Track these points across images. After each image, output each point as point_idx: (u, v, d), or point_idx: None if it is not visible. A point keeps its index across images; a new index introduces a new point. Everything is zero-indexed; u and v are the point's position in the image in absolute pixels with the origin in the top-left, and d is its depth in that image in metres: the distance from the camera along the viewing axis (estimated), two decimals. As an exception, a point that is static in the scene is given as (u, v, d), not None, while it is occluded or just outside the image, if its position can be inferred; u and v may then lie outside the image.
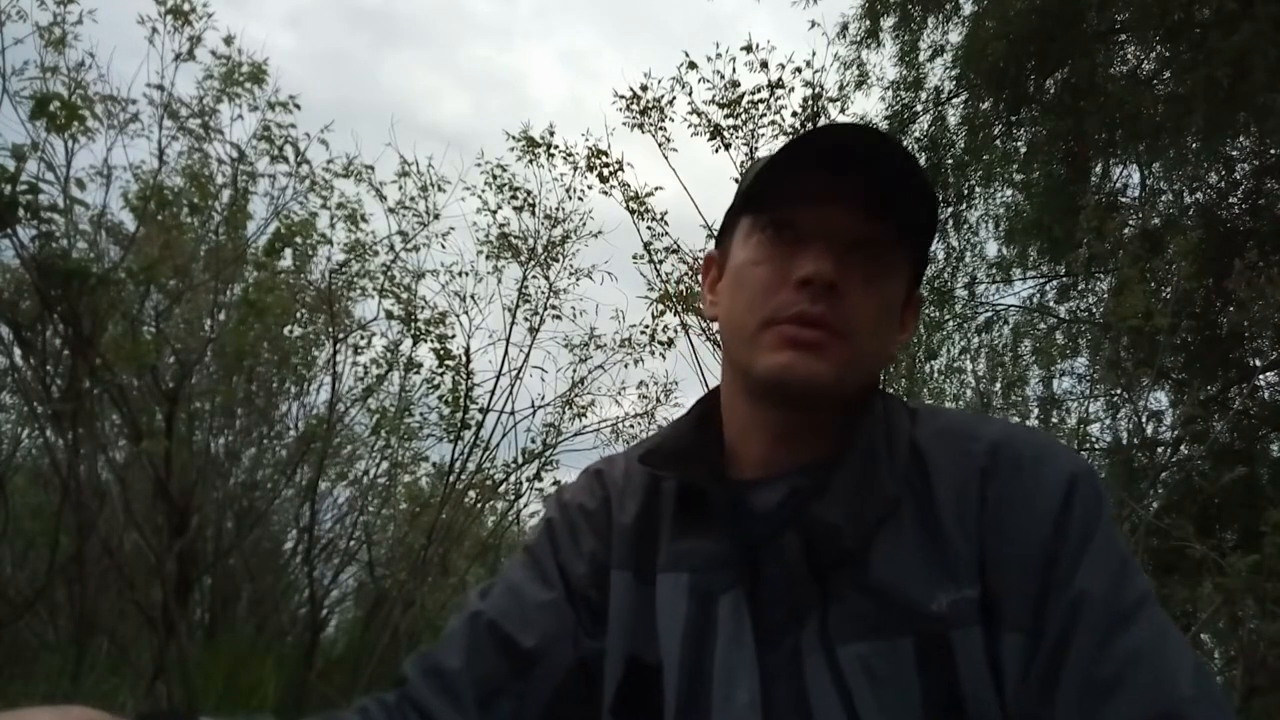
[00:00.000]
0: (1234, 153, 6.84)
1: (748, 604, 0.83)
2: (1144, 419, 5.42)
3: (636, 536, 0.92)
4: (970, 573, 0.77)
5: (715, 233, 0.97)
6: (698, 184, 6.16)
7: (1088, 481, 0.79)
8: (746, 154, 4.99)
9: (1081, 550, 0.75)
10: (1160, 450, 5.55)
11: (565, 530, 0.96)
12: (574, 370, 5.45)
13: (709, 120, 5.01)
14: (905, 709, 0.75)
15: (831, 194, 0.83)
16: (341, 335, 5.05)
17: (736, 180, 4.80)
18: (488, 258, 5.27)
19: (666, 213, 5.10)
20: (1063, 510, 0.77)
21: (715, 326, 1.01)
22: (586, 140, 5.15)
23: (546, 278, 5.33)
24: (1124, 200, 7.31)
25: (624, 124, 5.02)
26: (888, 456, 0.84)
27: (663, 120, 5.00)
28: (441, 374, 5.13)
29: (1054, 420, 5.85)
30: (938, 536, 0.79)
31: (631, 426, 5.51)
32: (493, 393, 5.15)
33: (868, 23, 7.90)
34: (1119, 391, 5.27)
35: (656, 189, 5.08)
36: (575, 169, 5.23)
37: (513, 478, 5.38)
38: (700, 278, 0.99)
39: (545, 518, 1.00)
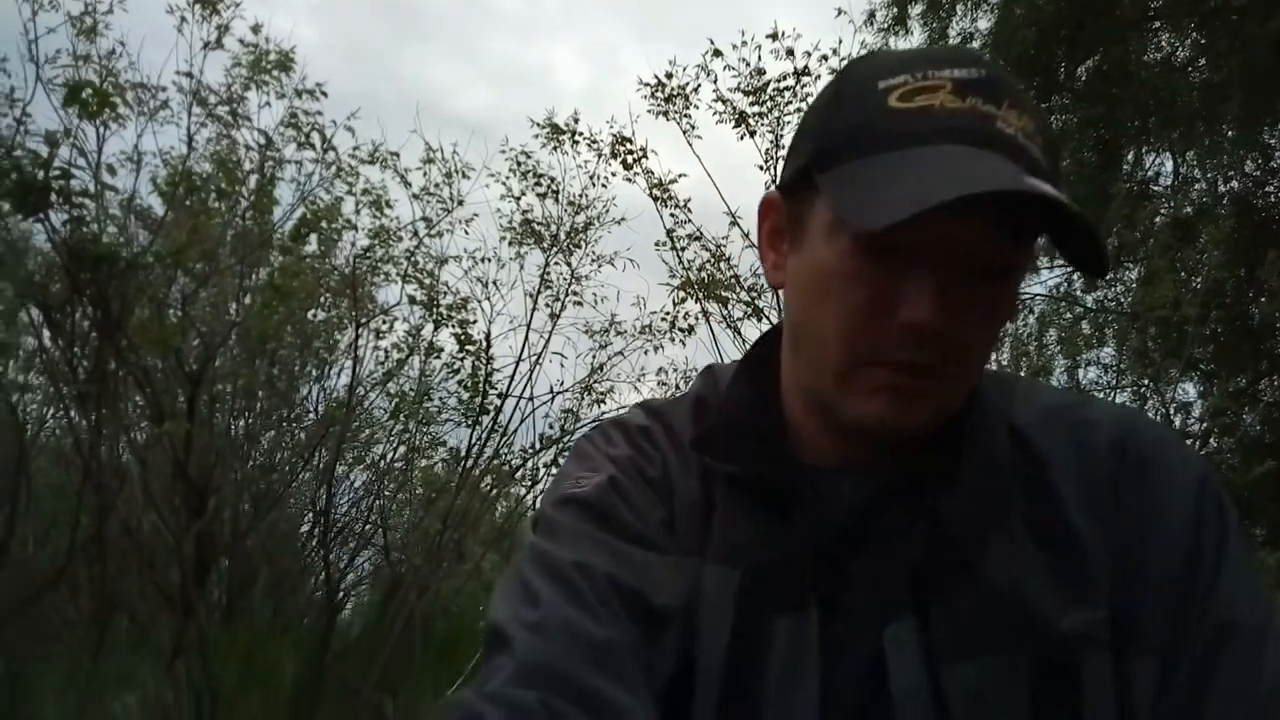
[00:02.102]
0: (1271, 140, 6.70)
1: (819, 625, 0.70)
2: (1172, 411, 5.32)
3: (696, 515, 0.76)
4: (1098, 590, 0.68)
5: (780, 187, 0.78)
6: (722, 171, 6.13)
7: (1214, 482, 0.71)
8: (771, 142, 4.95)
9: (1219, 563, 0.68)
10: (1188, 443, 5.46)
11: (635, 490, 0.76)
12: (594, 356, 5.45)
13: (734, 108, 4.97)
14: None
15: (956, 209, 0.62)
16: (364, 320, 5.07)
17: (762, 168, 4.69)
18: (510, 244, 5.28)
19: (690, 200, 5.07)
20: (1197, 518, 0.69)
21: (779, 292, 0.80)
22: (611, 127, 5.13)
23: (569, 264, 5.32)
24: (1155, 189, 7.19)
25: (649, 111, 5.00)
26: (994, 442, 0.73)
27: (687, 108, 4.98)
28: (462, 359, 5.15)
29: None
30: (1064, 542, 0.69)
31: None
32: (512, 378, 5.16)
33: (895, 10, 7.81)
34: (1146, 383, 5.19)
35: (680, 176, 5.06)
36: (599, 156, 5.22)
37: (530, 463, 5.39)
38: (757, 231, 0.80)
39: (608, 474, 0.77)
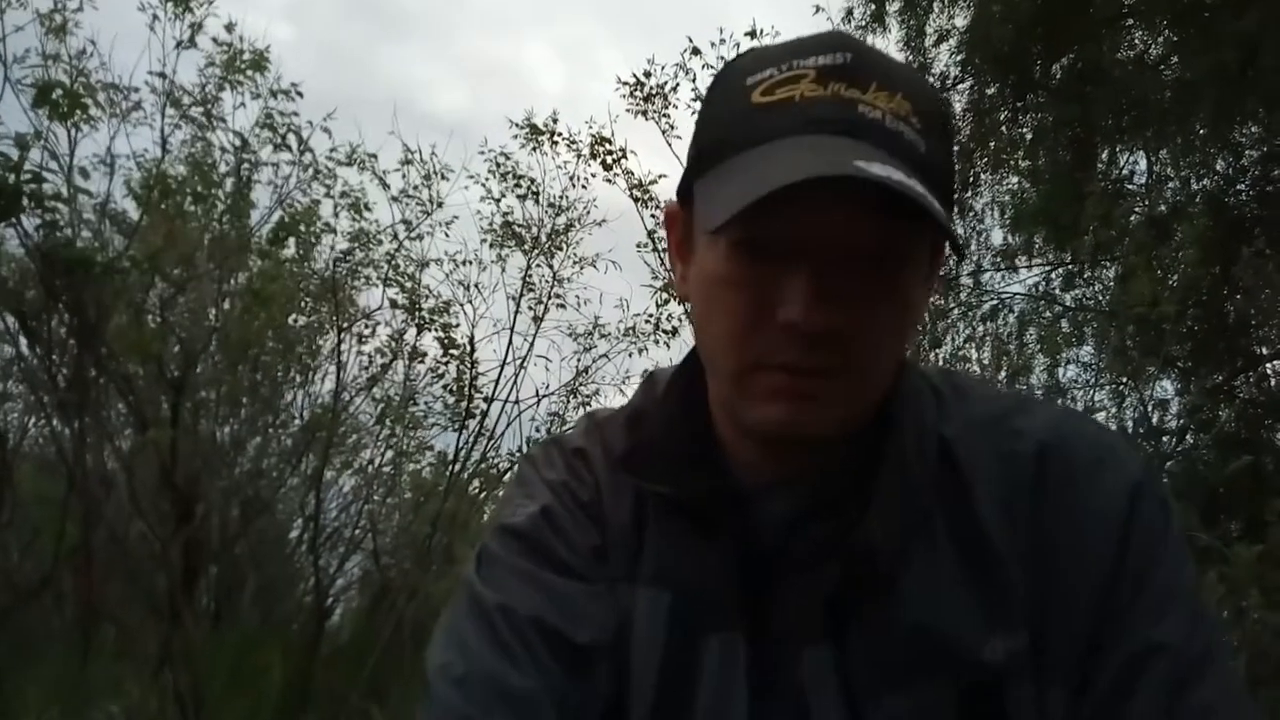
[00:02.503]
0: (1242, 139, 6.79)
1: (746, 649, 0.69)
2: (1150, 408, 5.38)
3: (628, 539, 0.75)
4: (1019, 615, 0.65)
5: (678, 196, 0.77)
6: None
7: (1151, 492, 0.67)
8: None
9: (1143, 583, 0.64)
10: (1166, 439, 5.52)
11: (568, 517, 0.76)
12: (578, 359, 5.45)
13: (713, 107, 4.98)
14: None
15: (825, 196, 0.61)
16: (346, 324, 5.05)
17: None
18: (491, 246, 5.26)
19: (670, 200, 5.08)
20: (1121, 535, 0.65)
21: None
22: (590, 128, 5.13)
23: (550, 266, 5.32)
24: (1130, 187, 7.26)
25: (627, 110, 5.01)
26: (918, 456, 0.70)
27: (666, 107, 4.99)
28: (446, 363, 5.13)
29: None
30: (984, 564, 0.66)
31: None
32: (497, 382, 5.15)
33: (873, 7, 7.85)
34: (1125, 380, 5.25)
35: (660, 177, 5.07)
36: (579, 157, 5.21)
37: (515, 469, 5.38)
38: (665, 236, 0.78)
39: (541, 504, 0.77)
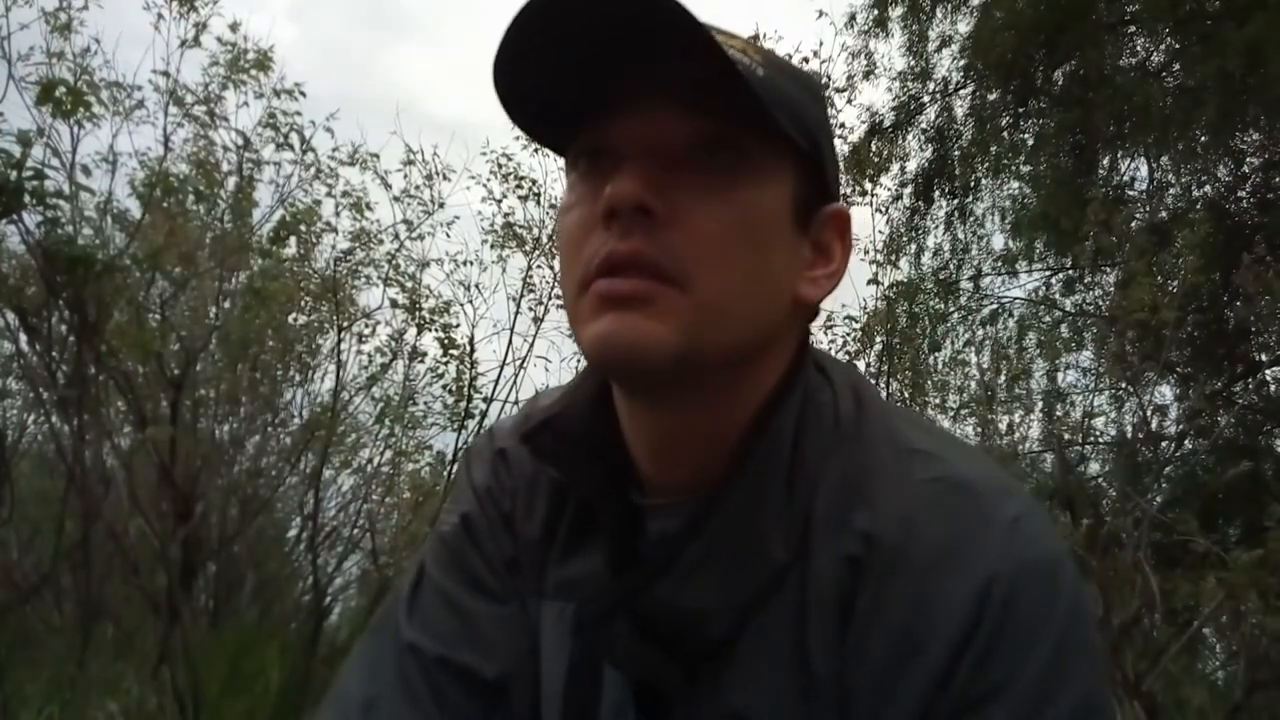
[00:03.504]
0: (1243, 146, 6.81)
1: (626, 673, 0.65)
2: (1149, 413, 5.39)
3: (540, 550, 0.72)
4: (831, 713, 0.57)
5: None
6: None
7: (1018, 594, 0.54)
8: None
9: (984, 708, 0.53)
10: (1165, 444, 5.53)
11: (485, 529, 0.74)
12: (578, 360, 5.43)
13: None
14: None
15: (636, 89, 0.58)
16: (346, 324, 5.05)
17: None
18: (492, 247, 5.27)
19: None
20: (961, 642, 0.53)
21: None
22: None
23: (551, 267, 5.32)
24: (1131, 193, 7.29)
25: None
26: (784, 503, 0.60)
27: (669, 109, 4.99)
28: (446, 363, 5.13)
29: (1058, 414, 5.84)
30: (803, 646, 0.58)
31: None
32: (496, 382, 5.15)
33: (876, 12, 7.88)
34: (1124, 385, 5.25)
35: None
36: (580, 158, 5.21)
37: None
38: None
39: (462, 511, 0.76)
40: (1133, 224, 5.32)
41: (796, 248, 0.63)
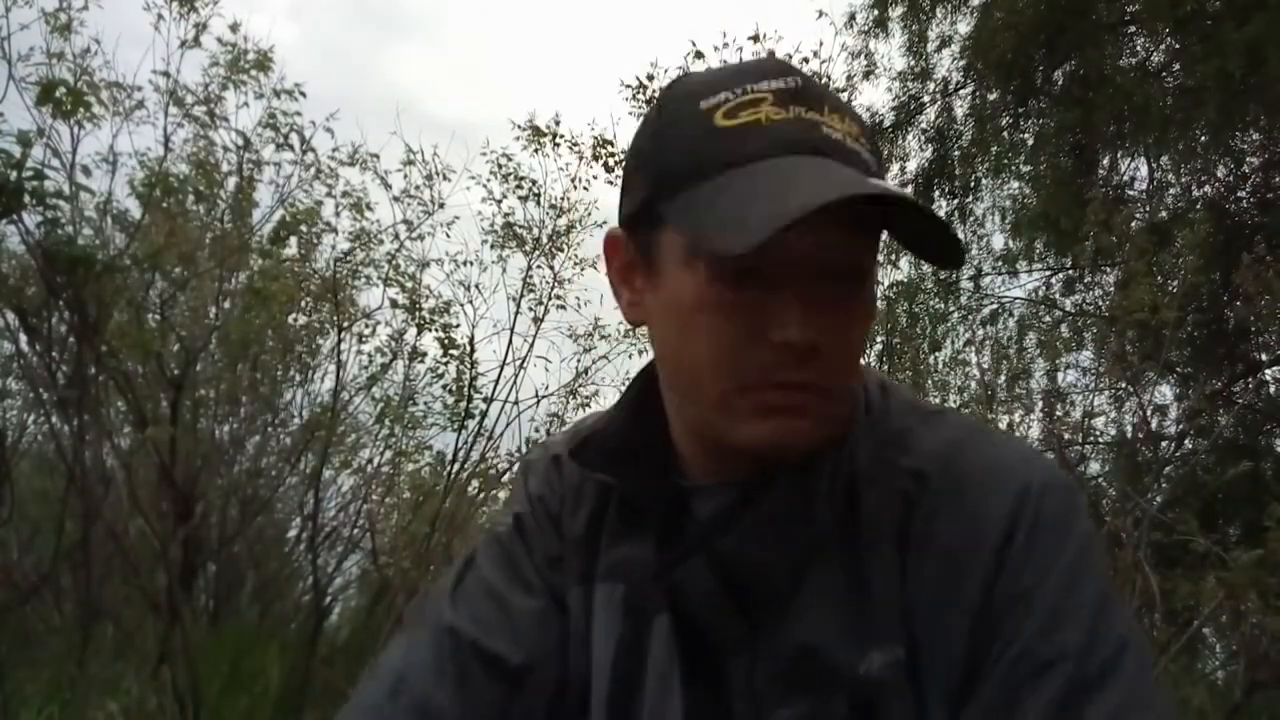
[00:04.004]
0: (1243, 146, 6.81)
1: (675, 634, 0.72)
2: (1149, 413, 5.39)
3: (584, 545, 0.81)
4: (895, 629, 0.66)
5: (622, 222, 0.78)
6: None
7: (1044, 501, 0.65)
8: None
9: (1029, 603, 0.63)
10: (1165, 444, 5.53)
11: (535, 529, 0.84)
12: (578, 360, 5.45)
13: (715, 110, 5.00)
14: None
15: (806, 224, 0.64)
16: (346, 324, 5.04)
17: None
18: (492, 247, 5.26)
19: (672, 202, 5.08)
20: (1000, 554, 0.64)
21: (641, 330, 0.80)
22: (592, 129, 5.14)
23: (551, 267, 5.32)
24: (1131, 193, 7.29)
25: (630, 113, 5.02)
26: (829, 467, 0.71)
27: (669, 110, 4.99)
28: (445, 363, 5.12)
29: (1058, 414, 5.84)
30: (863, 580, 0.68)
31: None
32: (496, 382, 5.14)
33: (876, 12, 7.88)
34: (1124, 385, 5.25)
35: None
36: (581, 159, 5.22)
37: (516, 467, 5.38)
38: (606, 270, 0.79)
39: (515, 512, 0.85)
40: (1133, 224, 5.31)
41: None
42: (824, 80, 5.03)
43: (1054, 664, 0.61)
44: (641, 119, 0.76)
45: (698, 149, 0.67)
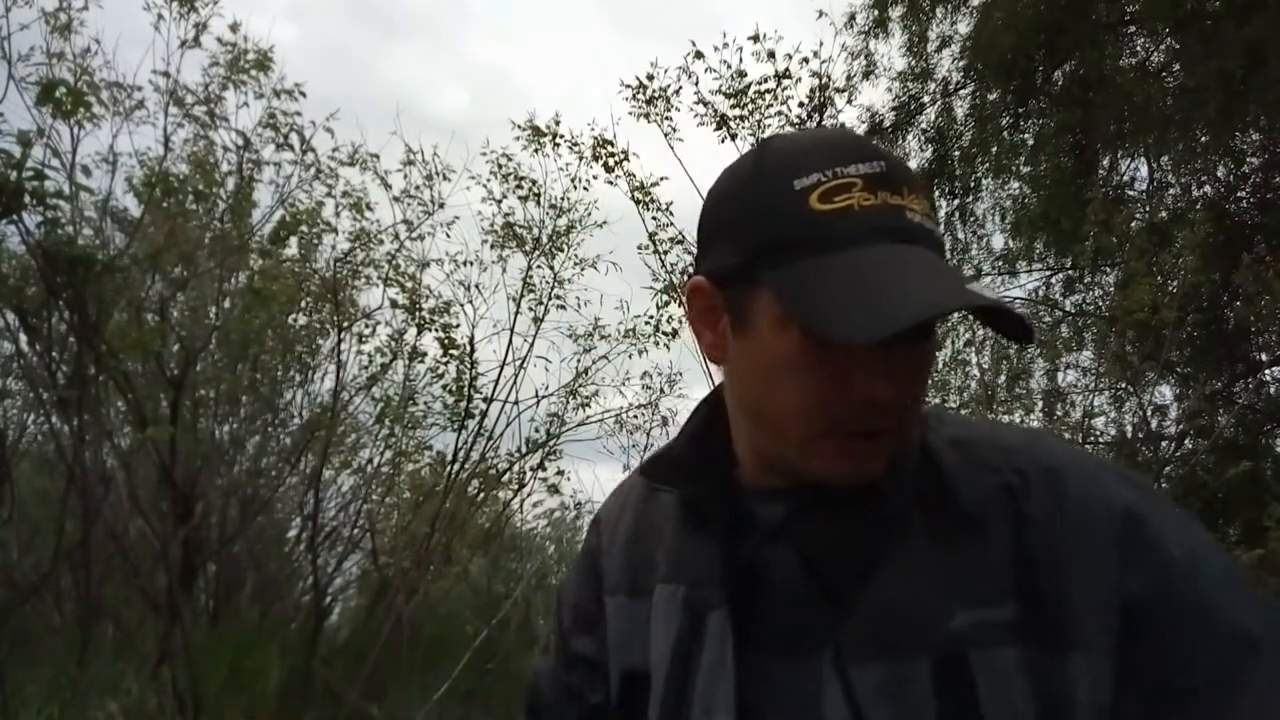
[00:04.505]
0: (1243, 146, 6.80)
1: (732, 623, 0.80)
2: (1149, 413, 5.39)
3: (628, 557, 0.93)
4: (997, 593, 0.72)
5: (708, 274, 0.84)
6: (703, 174, 6.15)
7: (1147, 513, 0.73)
8: (753, 144, 4.98)
9: (1166, 576, 0.70)
10: (1165, 444, 5.53)
11: (601, 547, 0.98)
12: (578, 360, 5.45)
13: (715, 110, 5.00)
14: None
15: None
16: (346, 324, 5.05)
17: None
18: (492, 247, 5.27)
19: (672, 203, 5.08)
20: (1122, 539, 0.71)
21: (717, 368, 0.88)
22: (592, 130, 5.14)
23: (551, 268, 5.32)
24: (1131, 193, 7.28)
25: (630, 114, 5.02)
26: (902, 465, 0.79)
27: (669, 110, 4.99)
28: (446, 363, 5.13)
29: (1058, 414, 5.84)
30: (955, 551, 0.74)
31: (635, 417, 5.50)
32: (496, 382, 5.15)
33: (876, 12, 7.86)
34: (1124, 385, 5.26)
35: (662, 179, 5.07)
36: (580, 159, 5.22)
37: (516, 467, 5.39)
38: (686, 307, 0.87)
39: (589, 534, 1.02)
40: (1133, 224, 5.31)
41: None
42: (824, 81, 5.03)
43: (1252, 638, 0.68)
44: (731, 175, 0.82)
45: (794, 227, 0.74)
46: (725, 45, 4.91)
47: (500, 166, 5.31)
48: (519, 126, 5.26)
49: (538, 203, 5.32)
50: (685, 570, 0.85)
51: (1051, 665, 0.69)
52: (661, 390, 5.52)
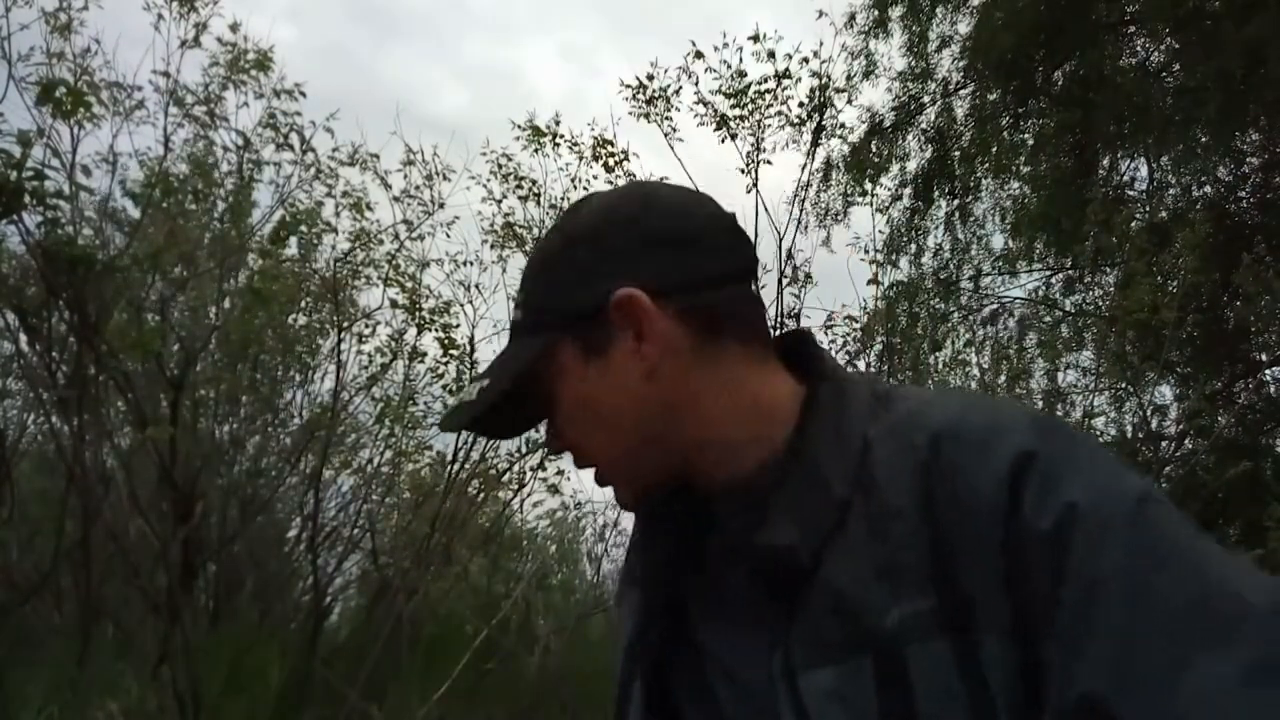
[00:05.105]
0: (1243, 146, 6.80)
1: (671, 627, 0.85)
2: (1149, 413, 5.39)
3: (628, 565, 0.96)
4: (921, 581, 0.70)
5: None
6: (703, 174, 6.15)
7: (1041, 452, 0.69)
8: (752, 145, 4.99)
9: (1052, 537, 0.66)
10: (1165, 444, 5.53)
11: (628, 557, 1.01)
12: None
13: (715, 110, 5.00)
14: None
15: None
16: (346, 324, 5.05)
17: (743, 171, 4.75)
18: (492, 247, 5.26)
19: (671, 203, 5.09)
20: (1011, 493, 0.68)
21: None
22: (592, 130, 5.14)
23: (551, 268, 5.31)
24: (1131, 193, 7.28)
25: (630, 113, 5.02)
26: (837, 456, 0.77)
27: (669, 110, 5.00)
28: (446, 363, 5.13)
29: (1059, 414, 5.83)
30: (886, 542, 0.73)
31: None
32: (497, 382, 5.13)
33: (876, 12, 7.87)
34: (1124, 385, 5.26)
35: (662, 179, 5.07)
36: (580, 159, 5.22)
37: (516, 467, 5.39)
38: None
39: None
40: (1133, 224, 5.31)
41: (630, 354, 0.82)
42: (824, 81, 5.03)
43: (1105, 582, 0.65)
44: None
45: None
46: (725, 45, 4.92)
47: (500, 166, 5.31)
48: (519, 126, 5.26)
49: (538, 203, 5.32)
50: (642, 575, 0.90)
51: (969, 650, 0.68)
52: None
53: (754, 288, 0.88)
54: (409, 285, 5.14)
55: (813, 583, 0.74)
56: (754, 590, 0.78)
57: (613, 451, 0.84)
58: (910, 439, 0.75)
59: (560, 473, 5.39)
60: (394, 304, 5.12)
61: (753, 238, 5.06)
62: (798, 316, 4.88)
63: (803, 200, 5.17)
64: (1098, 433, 5.83)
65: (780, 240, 4.92)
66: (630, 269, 0.80)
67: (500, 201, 5.29)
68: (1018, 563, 0.67)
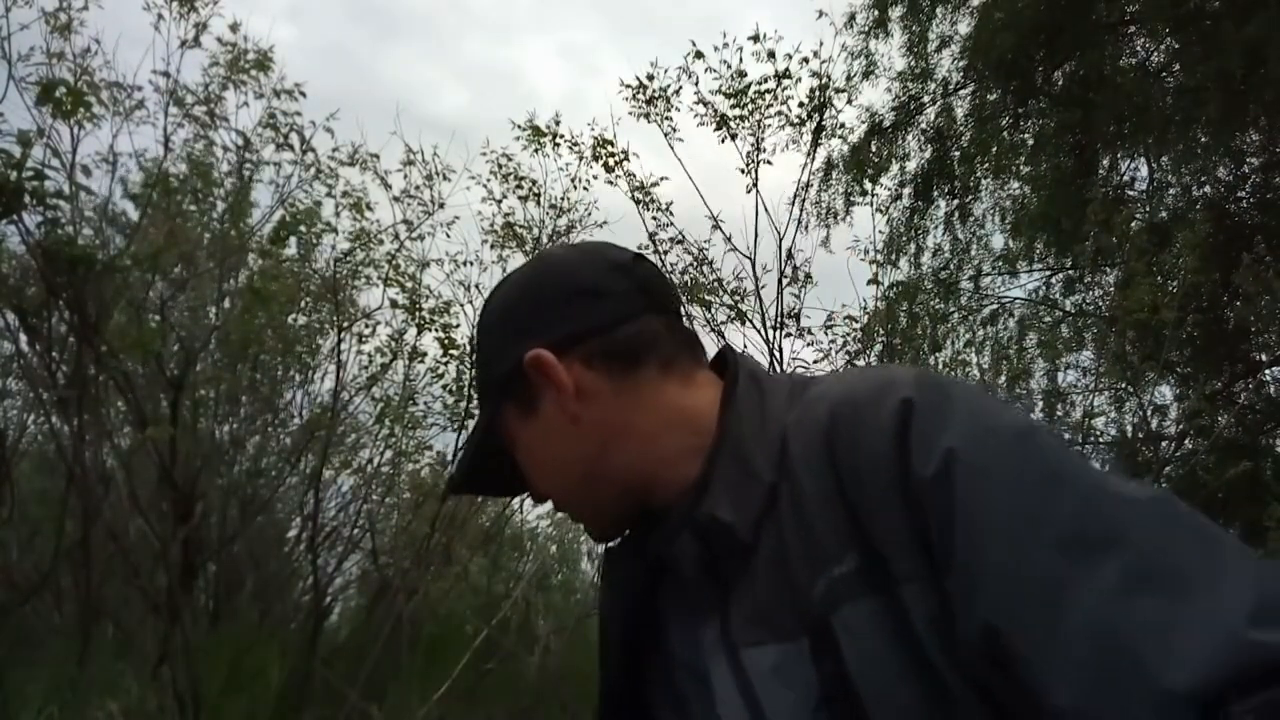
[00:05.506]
0: (1243, 146, 6.80)
1: (618, 626, 0.90)
2: (1149, 413, 5.40)
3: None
4: (840, 547, 0.73)
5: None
6: (703, 174, 6.15)
7: (920, 403, 0.73)
8: (753, 145, 4.99)
9: (941, 480, 0.69)
10: (1165, 444, 5.53)
11: None
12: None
13: (715, 110, 5.00)
14: (807, 708, 0.72)
15: None
16: (346, 324, 5.04)
17: (743, 171, 4.73)
18: (492, 247, 5.26)
19: (672, 203, 5.09)
20: (899, 446, 0.71)
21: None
22: (592, 130, 5.14)
23: (551, 268, 5.31)
24: (1131, 193, 7.28)
25: (630, 113, 5.02)
26: (762, 445, 0.81)
27: (669, 110, 4.99)
28: (446, 363, 5.13)
29: (1059, 414, 5.84)
30: (808, 519, 0.76)
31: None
32: (497, 382, 5.13)
33: (876, 12, 7.87)
34: (1124, 385, 5.26)
35: (662, 179, 5.07)
36: (580, 159, 5.22)
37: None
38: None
39: None
40: (1133, 224, 5.30)
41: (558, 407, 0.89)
42: (824, 81, 5.04)
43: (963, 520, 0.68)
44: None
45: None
46: (725, 45, 4.92)
47: (500, 166, 5.30)
48: (519, 126, 5.26)
49: (538, 203, 5.32)
50: (602, 597, 0.96)
51: (893, 602, 0.70)
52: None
53: (672, 310, 0.93)
54: (409, 285, 5.14)
55: (752, 561, 0.78)
56: (697, 572, 0.82)
57: (568, 493, 0.92)
58: (815, 415, 0.80)
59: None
60: (394, 304, 5.12)
61: (752, 238, 5.10)
62: (798, 316, 4.89)
63: (803, 200, 5.17)
64: (1098, 433, 5.84)
65: (780, 240, 4.92)
66: (536, 331, 0.88)
67: (500, 201, 5.29)
68: (916, 511, 0.70)
